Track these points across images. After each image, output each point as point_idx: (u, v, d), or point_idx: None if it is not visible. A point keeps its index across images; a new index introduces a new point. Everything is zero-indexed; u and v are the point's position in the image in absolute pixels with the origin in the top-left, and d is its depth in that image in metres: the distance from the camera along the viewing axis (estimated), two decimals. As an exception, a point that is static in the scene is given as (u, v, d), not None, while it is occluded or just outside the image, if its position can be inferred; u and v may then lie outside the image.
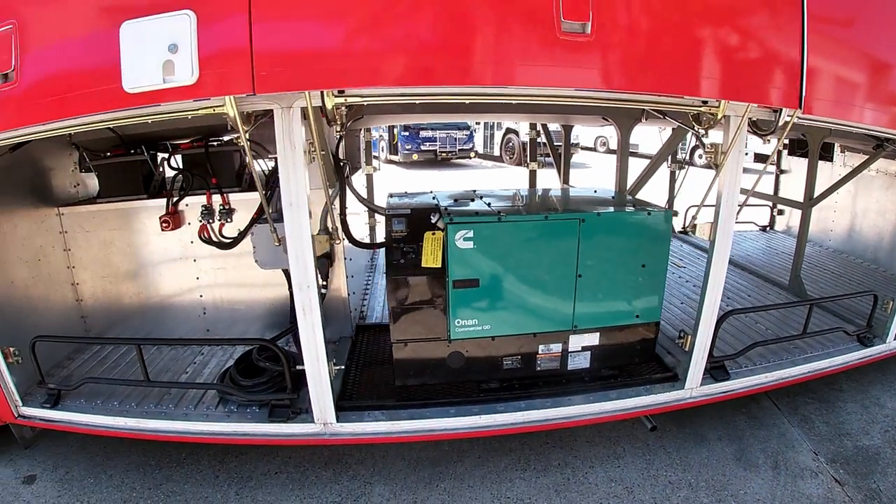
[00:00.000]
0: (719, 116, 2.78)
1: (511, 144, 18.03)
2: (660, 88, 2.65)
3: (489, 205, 3.23)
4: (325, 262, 3.42)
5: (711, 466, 3.45)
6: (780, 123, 2.87)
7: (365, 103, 2.55)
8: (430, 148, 16.50)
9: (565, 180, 4.68)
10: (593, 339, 3.25)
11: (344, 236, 3.48)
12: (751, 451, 3.56)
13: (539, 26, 2.40)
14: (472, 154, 17.56)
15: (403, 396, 3.21)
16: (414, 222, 3.09)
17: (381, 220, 5.10)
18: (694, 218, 3.11)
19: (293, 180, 2.64)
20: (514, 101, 2.62)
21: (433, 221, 3.06)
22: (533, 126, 4.64)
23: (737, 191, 2.99)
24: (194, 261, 3.84)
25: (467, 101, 2.57)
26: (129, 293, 3.97)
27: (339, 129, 2.67)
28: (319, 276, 3.45)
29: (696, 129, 2.94)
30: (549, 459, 3.50)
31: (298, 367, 3.04)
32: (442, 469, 3.45)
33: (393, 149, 17.11)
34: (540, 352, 3.23)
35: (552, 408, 3.14)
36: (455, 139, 16.69)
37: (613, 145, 17.93)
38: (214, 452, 3.64)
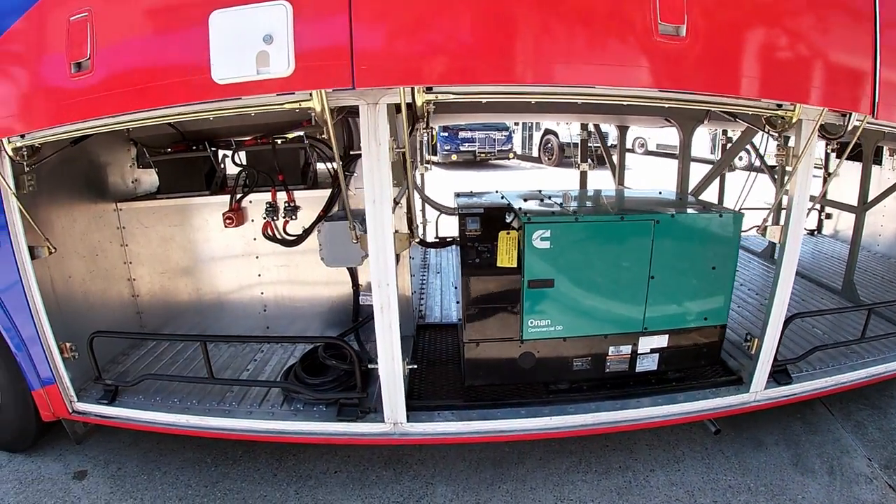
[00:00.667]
0: (794, 120, 2.67)
1: (549, 145, 17.05)
2: (739, 91, 2.54)
3: (561, 205, 3.10)
4: (391, 261, 3.26)
5: (769, 471, 3.30)
6: (850, 128, 2.78)
7: (454, 100, 2.41)
8: (470, 148, 15.73)
9: (620, 181, 4.54)
10: (662, 341, 3.10)
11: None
12: (807, 456, 3.40)
13: (637, 29, 2.29)
14: (511, 155, 16.72)
15: (472, 397, 3.04)
16: (487, 221, 2.94)
17: (431, 218, 5.12)
18: (765, 220, 2.99)
19: (377, 177, 2.49)
20: (593, 101, 2.48)
21: (508, 221, 2.92)
22: (584, 127, 4.49)
23: (807, 195, 2.87)
24: (256, 258, 3.66)
25: (548, 101, 2.44)
26: (188, 289, 3.78)
27: (424, 126, 2.52)
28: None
29: (769, 131, 2.83)
30: (609, 462, 3.33)
31: (370, 366, 2.88)
32: (503, 470, 3.27)
33: (432, 149, 16.59)
34: (610, 353, 3.08)
35: (622, 410, 2.98)
36: (494, 140, 15.90)
37: (651, 147, 17.42)
38: (271, 450, 3.45)
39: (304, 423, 2.89)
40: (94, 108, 2.45)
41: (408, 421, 2.85)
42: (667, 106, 2.65)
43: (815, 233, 6.46)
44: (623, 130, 4.53)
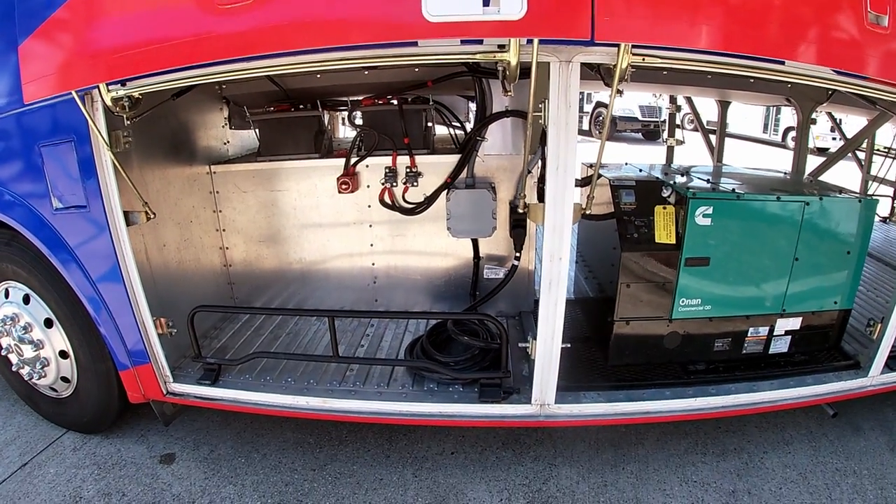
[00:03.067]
0: None
1: (601, 118, 15.03)
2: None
3: (708, 181, 2.55)
4: (521, 233, 2.64)
5: (870, 455, 2.86)
6: None
7: (661, 65, 1.79)
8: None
9: (718, 158, 3.99)
10: (796, 323, 2.60)
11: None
12: (902, 441, 3.01)
13: (853, 16, 1.76)
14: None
15: (616, 377, 2.48)
16: (641, 195, 2.37)
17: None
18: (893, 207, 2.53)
19: (563, 143, 1.84)
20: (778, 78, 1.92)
21: (665, 195, 2.35)
22: (673, 100, 3.90)
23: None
24: (370, 226, 2.90)
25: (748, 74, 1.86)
26: (288, 259, 2.99)
27: (618, 91, 1.89)
28: (516, 247, 2.70)
29: None
30: (724, 444, 2.82)
31: (521, 345, 2.27)
32: (623, 451, 2.71)
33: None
34: (749, 334, 2.56)
35: (758, 391, 2.48)
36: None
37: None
38: (380, 430, 2.77)
39: (444, 405, 2.25)
40: (246, 45, 1.72)
41: (555, 402, 2.27)
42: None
43: (888, 220, 5.56)
44: (724, 106, 3.98)
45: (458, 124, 2.88)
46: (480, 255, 2.78)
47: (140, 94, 2.00)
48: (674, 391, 2.39)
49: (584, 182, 2.59)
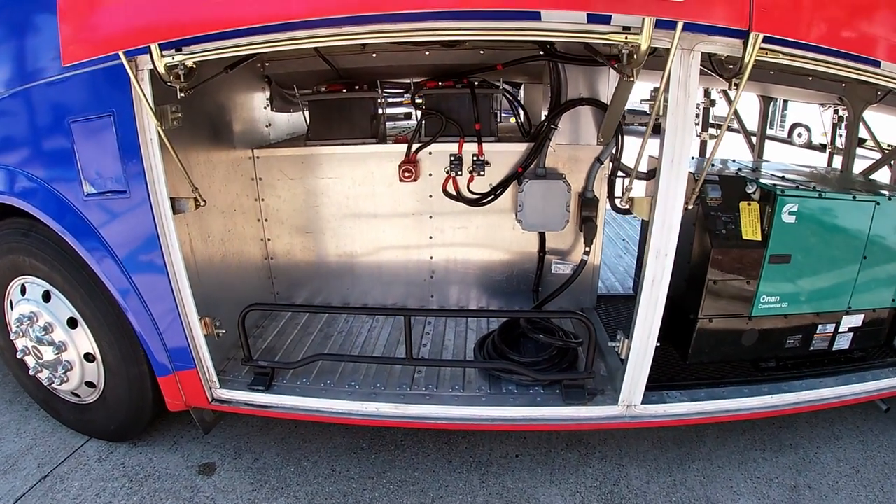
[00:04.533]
0: None
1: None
2: None
3: (783, 178, 2.43)
4: (591, 227, 2.45)
5: (914, 450, 2.87)
6: None
7: (780, 62, 1.59)
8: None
9: (759, 154, 3.86)
10: (858, 320, 2.53)
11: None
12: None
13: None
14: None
15: (693, 375, 2.34)
16: (724, 190, 2.22)
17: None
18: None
19: (680, 134, 1.66)
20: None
21: (750, 191, 2.21)
22: (707, 94, 3.74)
23: None
24: (430, 217, 2.61)
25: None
26: (336, 251, 2.69)
27: (734, 84, 1.68)
28: (587, 241, 2.51)
29: None
30: (780, 440, 2.73)
31: (611, 344, 2.08)
32: (687, 449, 2.58)
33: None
34: (818, 332, 2.47)
35: (824, 388, 2.40)
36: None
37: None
38: (437, 434, 2.53)
39: (527, 408, 2.03)
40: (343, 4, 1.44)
41: (641, 402, 2.10)
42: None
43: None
44: (767, 102, 3.87)
45: (524, 112, 2.65)
46: (546, 249, 2.58)
47: (195, 63, 1.69)
48: (751, 388, 2.27)
49: (650, 174, 2.43)
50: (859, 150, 3.41)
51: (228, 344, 2.30)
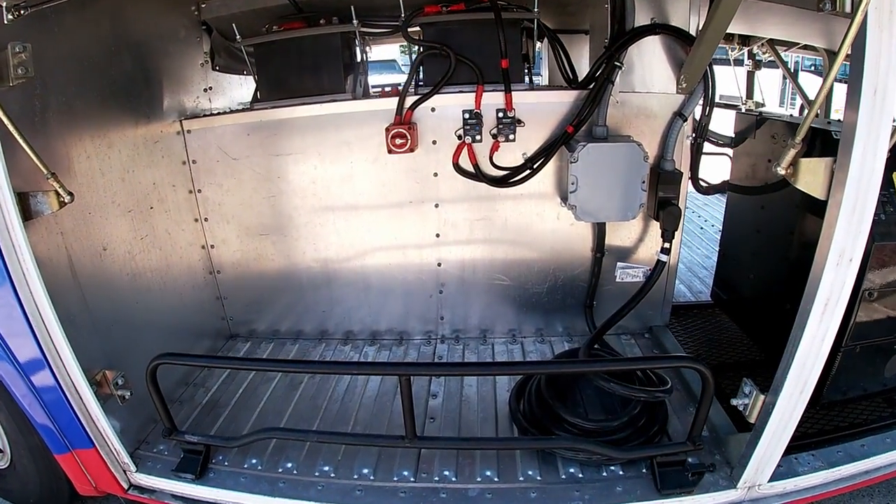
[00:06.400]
0: None
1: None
2: None
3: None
4: (672, 214, 1.59)
5: None
6: None
7: None
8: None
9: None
10: None
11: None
12: None
13: None
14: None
15: (819, 421, 1.50)
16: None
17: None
18: None
19: (887, 50, 0.89)
20: None
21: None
22: (752, 56, 2.80)
23: None
24: (435, 206, 1.74)
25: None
26: (305, 259, 1.85)
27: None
28: (665, 234, 1.65)
29: None
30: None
31: (735, 402, 1.23)
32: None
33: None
34: None
35: None
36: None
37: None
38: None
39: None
40: None
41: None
42: None
43: None
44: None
45: (566, 57, 1.76)
46: (605, 247, 1.71)
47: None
48: (893, 436, 1.43)
49: (738, 139, 1.58)
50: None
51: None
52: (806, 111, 1.55)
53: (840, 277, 1.03)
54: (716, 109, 1.67)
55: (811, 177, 1.03)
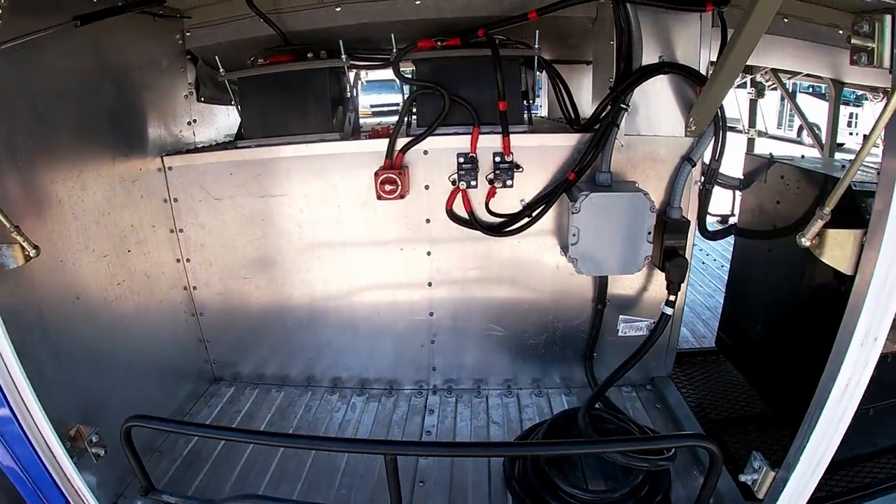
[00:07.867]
0: None
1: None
2: None
3: None
4: (679, 265, 1.47)
5: None
6: None
7: None
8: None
9: (830, 153, 2.70)
10: None
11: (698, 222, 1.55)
12: None
13: None
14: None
15: (833, 482, 1.38)
16: None
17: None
18: None
19: None
20: None
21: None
22: (754, 84, 2.67)
23: None
24: (428, 253, 1.64)
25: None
26: (291, 303, 1.74)
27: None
28: (671, 287, 1.53)
29: None
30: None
31: (743, 478, 1.11)
32: None
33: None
34: None
35: None
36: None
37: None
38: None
39: None
40: None
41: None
42: None
43: None
44: (838, 88, 2.45)
45: (567, 94, 1.64)
46: (607, 298, 1.59)
47: None
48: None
49: (746, 181, 1.47)
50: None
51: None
52: (836, 176, 1.40)
53: (863, 357, 0.92)
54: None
55: (838, 251, 0.92)
